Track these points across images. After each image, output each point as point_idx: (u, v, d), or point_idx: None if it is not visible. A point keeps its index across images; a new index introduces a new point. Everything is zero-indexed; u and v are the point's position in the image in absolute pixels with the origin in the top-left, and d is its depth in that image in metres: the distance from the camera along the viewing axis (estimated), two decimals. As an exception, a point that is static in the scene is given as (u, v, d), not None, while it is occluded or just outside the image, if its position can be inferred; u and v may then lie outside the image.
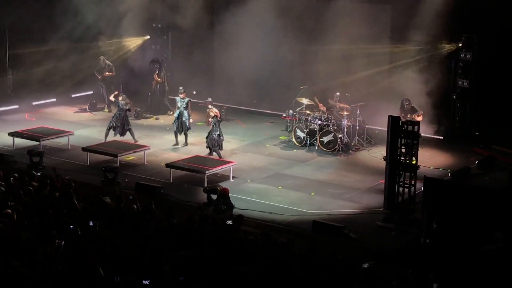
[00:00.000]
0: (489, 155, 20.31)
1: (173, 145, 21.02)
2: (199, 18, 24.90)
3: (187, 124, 20.98)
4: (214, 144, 19.80)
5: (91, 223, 12.44)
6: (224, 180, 18.40)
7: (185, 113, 20.93)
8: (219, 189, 16.67)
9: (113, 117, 21.31)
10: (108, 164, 18.44)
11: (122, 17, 24.77)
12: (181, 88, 21.36)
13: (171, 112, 24.61)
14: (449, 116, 22.11)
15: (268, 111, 24.82)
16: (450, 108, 22.07)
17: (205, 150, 20.07)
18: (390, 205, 16.11)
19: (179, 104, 21.04)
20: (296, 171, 19.43)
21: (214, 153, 19.85)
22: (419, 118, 19.99)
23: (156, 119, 24.29)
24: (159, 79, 24.63)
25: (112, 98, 22.19)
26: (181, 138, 21.23)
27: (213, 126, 19.85)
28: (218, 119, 19.95)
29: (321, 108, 21.32)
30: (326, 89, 22.15)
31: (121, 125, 21.03)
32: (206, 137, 20.03)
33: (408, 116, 20.18)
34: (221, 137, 19.95)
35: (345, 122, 21.08)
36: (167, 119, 23.92)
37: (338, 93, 21.71)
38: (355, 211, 16.84)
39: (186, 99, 21.03)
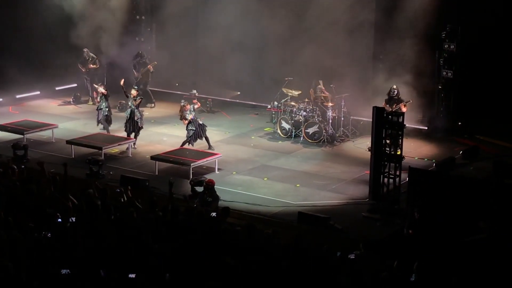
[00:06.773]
0: (473, 145, 20.41)
1: (133, 147, 20.07)
2: (183, 9, 24.81)
3: (139, 123, 20.20)
4: (204, 131, 19.84)
5: (71, 220, 12.33)
6: (209, 172, 18.40)
7: (137, 112, 20.15)
8: (205, 181, 16.66)
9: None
10: (93, 157, 18.39)
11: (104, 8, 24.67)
12: (135, 86, 21.01)
13: (153, 105, 24.55)
14: (434, 106, 22.17)
15: (253, 103, 24.80)
16: (434, 99, 22.13)
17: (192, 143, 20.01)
18: (375, 195, 16.21)
19: (129, 103, 20.19)
20: (282, 163, 19.45)
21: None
22: (404, 109, 20.03)
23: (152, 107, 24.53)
24: (152, 70, 24.46)
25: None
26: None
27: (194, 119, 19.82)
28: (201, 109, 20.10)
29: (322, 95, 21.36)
30: (310, 80, 22.12)
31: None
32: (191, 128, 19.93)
33: (394, 106, 20.19)
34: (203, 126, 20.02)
35: (330, 113, 21.09)
36: (150, 111, 23.87)
37: (321, 81, 21.68)
38: (341, 202, 16.89)
39: (138, 98, 20.26)
